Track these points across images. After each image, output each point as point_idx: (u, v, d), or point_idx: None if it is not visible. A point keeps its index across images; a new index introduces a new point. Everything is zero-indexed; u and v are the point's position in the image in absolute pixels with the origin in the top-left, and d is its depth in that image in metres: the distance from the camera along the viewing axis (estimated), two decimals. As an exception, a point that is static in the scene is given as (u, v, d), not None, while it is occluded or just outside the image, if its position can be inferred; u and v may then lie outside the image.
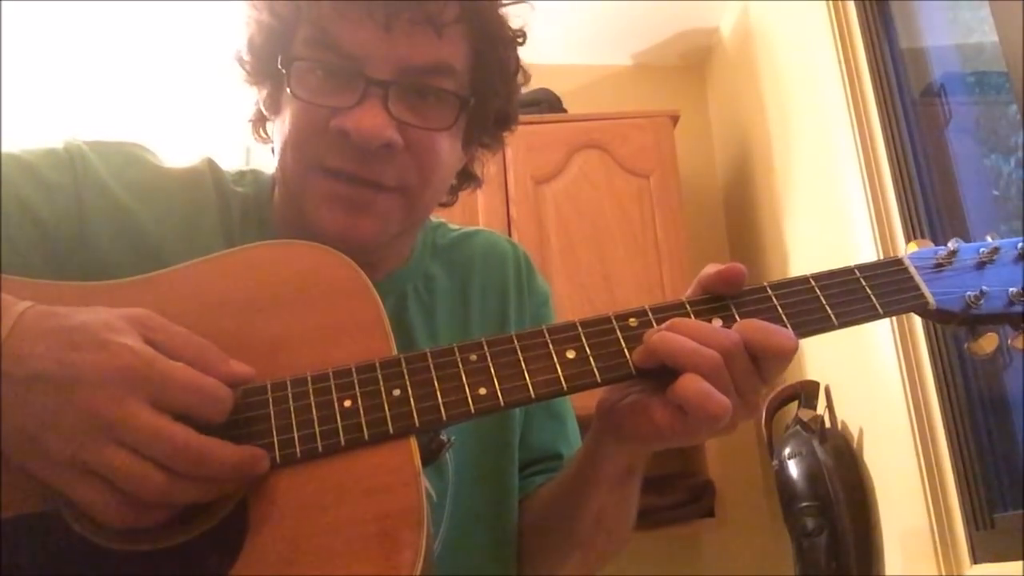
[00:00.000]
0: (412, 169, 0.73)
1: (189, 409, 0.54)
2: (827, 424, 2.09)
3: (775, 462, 2.13)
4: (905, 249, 0.72)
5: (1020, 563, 1.51)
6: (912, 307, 0.68)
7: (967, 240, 0.72)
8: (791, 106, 2.43)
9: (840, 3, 2.14)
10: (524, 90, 0.86)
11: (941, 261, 0.70)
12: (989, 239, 0.72)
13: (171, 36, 2.60)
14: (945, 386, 1.77)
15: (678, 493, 2.36)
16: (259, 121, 0.81)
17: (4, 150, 0.72)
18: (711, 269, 0.66)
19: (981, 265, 0.70)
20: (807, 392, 2.18)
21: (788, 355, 0.61)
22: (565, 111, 2.75)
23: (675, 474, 2.45)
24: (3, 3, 2.38)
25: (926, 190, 1.91)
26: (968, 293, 0.68)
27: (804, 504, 2.01)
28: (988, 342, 0.68)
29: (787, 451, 2.08)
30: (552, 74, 2.75)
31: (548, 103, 2.72)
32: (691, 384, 0.59)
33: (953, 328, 0.71)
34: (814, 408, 2.15)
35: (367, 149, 0.69)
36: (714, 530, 2.48)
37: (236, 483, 0.55)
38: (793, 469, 2.06)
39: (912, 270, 0.69)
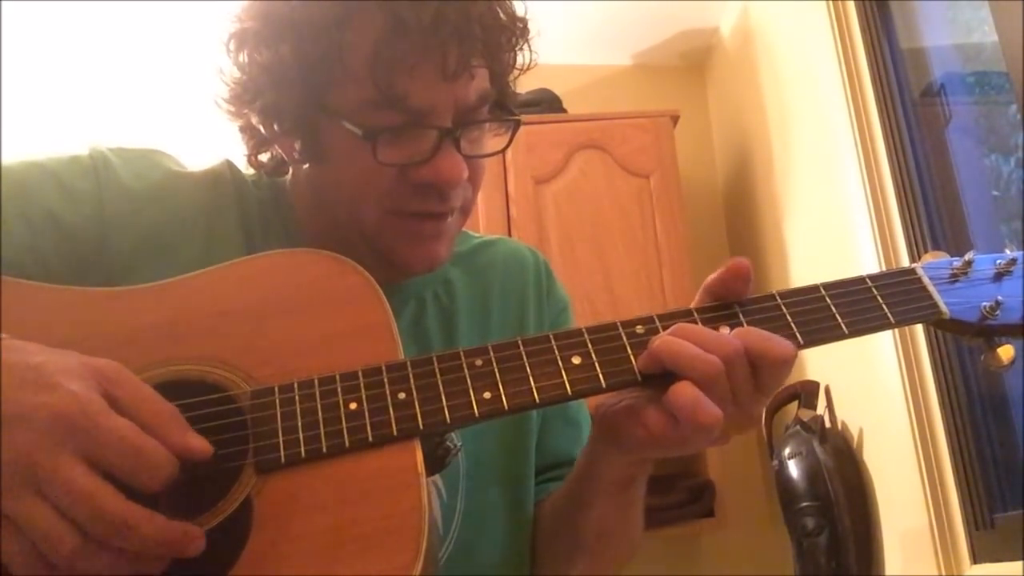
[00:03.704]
0: (470, 189, 0.76)
1: (122, 471, 0.51)
2: (827, 424, 2.09)
3: (775, 462, 2.13)
4: (919, 258, 0.72)
5: (1020, 563, 1.51)
6: (925, 317, 0.68)
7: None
8: (791, 106, 2.44)
9: (840, 3, 2.14)
10: (522, 89, 0.87)
11: (956, 272, 0.70)
12: (1008, 251, 0.72)
13: (173, 37, 2.60)
14: (945, 386, 1.77)
15: (678, 493, 2.37)
16: (255, 153, 0.79)
17: (29, 158, 0.73)
18: (714, 275, 0.66)
19: (998, 276, 0.70)
20: (807, 392, 2.18)
21: (787, 363, 0.61)
22: (565, 111, 2.75)
23: (675, 474, 2.46)
24: (3, 3, 2.38)
25: (926, 190, 1.91)
26: (984, 304, 0.67)
27: (804, 504, 2.01)
28: (1005, 353, 0.68)
29: (787, 451, 2.09)
30: (552, 74, 2.75)
31: (548, 103, 2.72)
32: (685, 391, 0.59)
33: (968, 340, 0.70)
34: (814, 408, 2.16)
35: (449, 191, 0.72)
36: (714, 530, 2.48)
37: (162, 560, 0.52)
38: (793, 469, 2.06)
39: (925, 279, 0.69)
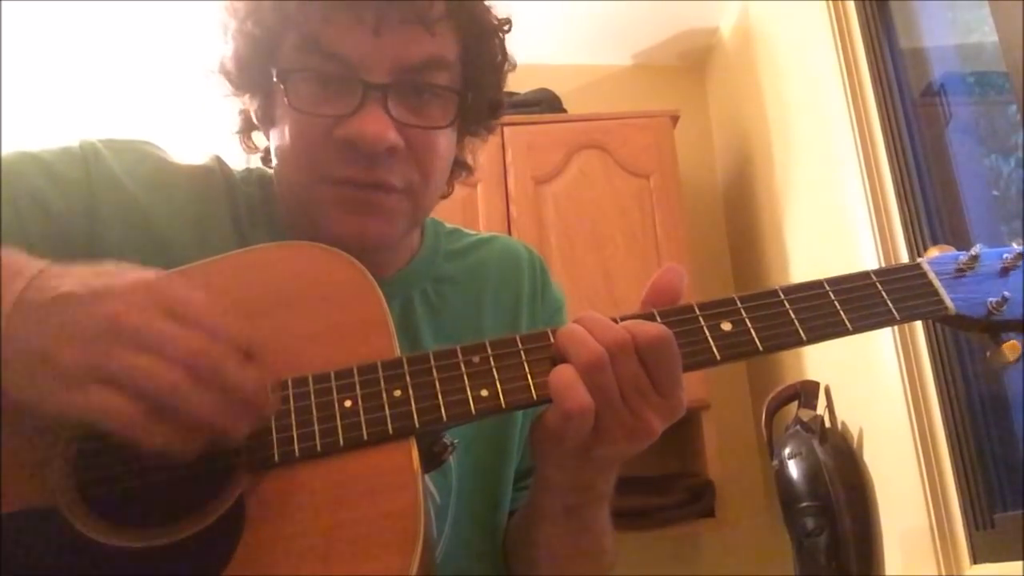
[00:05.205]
0: (414, 168, 0.73)
1: (201, 324, 0.54)
2: (827, 424, 2.09)
3: (775, 462, 2.13)
4: (923, 254, 0.71)
5: (1020, 563, 1.51)
6: (930, 313, 0.67)
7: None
8: (791, 106, 2.43)
9: (840, 3, 2.14)
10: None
11: (962, 266, 0.68)
12: (1015, 245, 0.71)
13: (169, 35, 2.60)
14: (945, 386, 1.77)
15: (678, 493, 2.37)
16: (247, 131, 0.81)
17: (20, 148, 0.73)
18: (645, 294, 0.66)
19: (1005, 271, 0.68)
20: (807, 392, 2.18)
21: (663, 341, 0.59)
22: (565, 111, 2.75)
23: (675, 474, 2.45)
24: (3, 3, 2.38)
25: (926, 190, 1.91)
26: (990, 299, 0.66)
27: (804, 504, 2.01)
28: (1011, 350, 0.67)
29: (787, 451, 2.08)
30: (552, 74, 2.75)
31: (548, 103, 2.72)
32: (562, 373, 0.58)
33: (975, 336, 0.69)
34: (814, 408, 2.15)
35: (372, 154, 0.69)
36: (714, 530, 2.48)
37: (252, 410, 0.55)
38: (793, 469, 2.06)
39: (931, 275, 0.68)
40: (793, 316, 0.64)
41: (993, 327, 0.67)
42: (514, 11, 0.79)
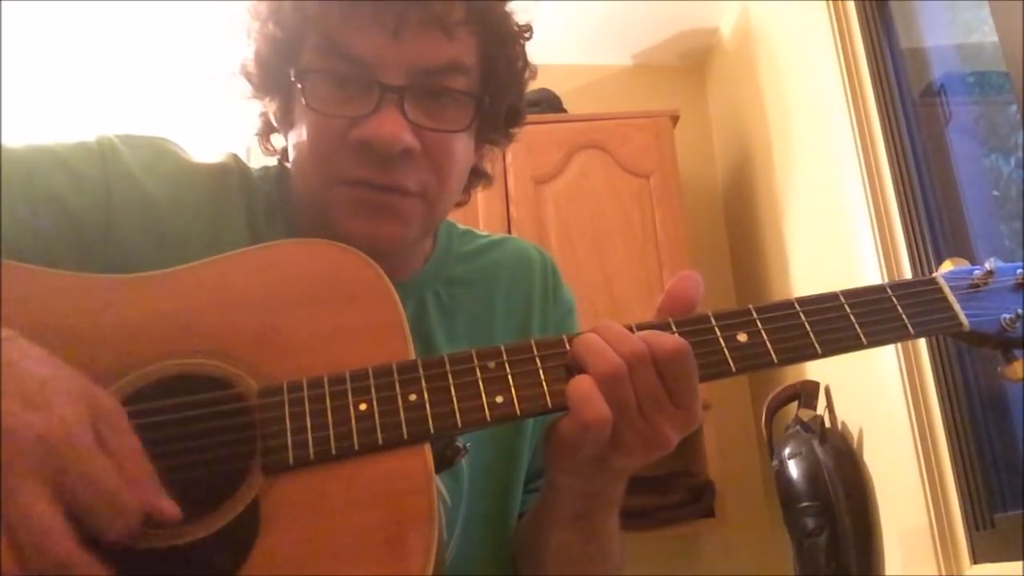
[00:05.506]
0: (430, 172, 0.73)
1: (88, 509, 0.48)
2: (827, 424, 2.09)
3: (775, 462, 2.13)
4: (937, 267, 0.71)
5: (1020, 563, 1.51)
6: (945, 328, 0.67)
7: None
8: (791, 106, 2.44)
9: (840, 3, 2.14)
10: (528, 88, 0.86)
11: (977, 281, 0.68)
12: None
13: (174, 34, 2.60)
14: (945, 386, 1.77)
15: (678, 493, 2.37)
16: (266, 133, 0.81)
17: (36, 142, 0.72)
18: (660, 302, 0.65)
19: (1018, 287, 0.68)
20: (807, 392, 2.18)
21: (680, 354, 0.59)
22: (565, 111, 2.75)
23: (675, 474, 2.45)
24: (3, 3, 2.37)
25: (926, 190, 1.91)
26: (1004, 316, 0.66)
27: (804, 504, 2.01)
28: (1022, 367, 0.67)
29: (787, 451, 2.09)
30: (552, 74, 2.74)
31: (548, 103, 2.72)
32: (581, 384, 0.58)
33: (988, 351, 0.69)
34: (814, 408, 2.15)
35: (387, 156, 0.69)
36: (714, 530, 2.48)
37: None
38: (793, 469, 2.06)
39: (946, 290, 0.68)
40: (808, 328, 0.64)
41: (1005, 344, 0.67)
42: (519, 7, 0.79)
